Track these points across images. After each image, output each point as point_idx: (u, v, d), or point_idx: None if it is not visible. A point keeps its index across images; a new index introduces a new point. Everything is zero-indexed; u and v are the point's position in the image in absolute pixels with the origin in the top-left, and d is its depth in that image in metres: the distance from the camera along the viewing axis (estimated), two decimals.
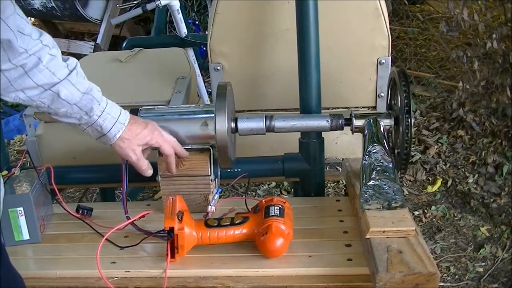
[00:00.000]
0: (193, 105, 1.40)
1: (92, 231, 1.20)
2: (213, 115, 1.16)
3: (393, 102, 1.25)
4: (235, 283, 1.03)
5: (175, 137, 1.20)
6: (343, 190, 2.30)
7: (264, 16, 1.46)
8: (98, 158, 1.48)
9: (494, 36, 2.63)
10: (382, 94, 1.51)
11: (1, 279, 0.90)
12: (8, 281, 0.92)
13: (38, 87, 1.00)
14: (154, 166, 1.21)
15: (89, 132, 1.10)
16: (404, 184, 2.61)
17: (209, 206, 1.22)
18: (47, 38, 1.00)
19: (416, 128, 2.97)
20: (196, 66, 2.53)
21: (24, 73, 0.97)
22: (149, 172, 1.17)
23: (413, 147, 2.81)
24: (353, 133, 1.23)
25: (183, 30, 2.56)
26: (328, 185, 2.59)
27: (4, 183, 1.14)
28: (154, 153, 1.20)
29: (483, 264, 2.15)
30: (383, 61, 1.47)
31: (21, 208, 1.16)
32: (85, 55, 3.13)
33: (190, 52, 2.60)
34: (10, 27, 0.91)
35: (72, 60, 1.05)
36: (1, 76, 0.96)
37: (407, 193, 2.56)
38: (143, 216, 1.14)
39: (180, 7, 2.52)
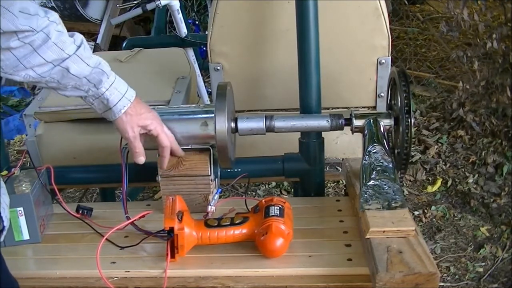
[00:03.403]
0: (193, 105, 1.40)
1: (92, 231, 1.20)
2: (213, 115, 1.16)
3: (393, 102, 1.25)
4: (235, 283, 1.03)
5: (175, 137, 1.20)
6: (343, 190, 2.30)
7: (264, 16, 1.46)
8: (98, 158, 1.49)
9: (494, 36, 2.63)
10: (382, 94, 1.51)
11: (1, 284, 0.89)
12: (7, 286, 0.92)
13: (48, 63, 1.00)
14: (154, 166, 1.21)
15: (95, 105, 1.10)
16: (404, 184, 2.61)
17: (209, 206, 1.22)
18: (53, 14, 1.00)
19: (416, 128, 2.97)
20: (196, 66, 2.53)
21: (33, 50, 0.97)
22: (141, 158, 1.16)
23: (413, 147, 2.81)
24: (353, 133, 1.23)
25: (183, 30, 2.56)
26: (328, 185, 2.59)
27: (4, 183, 1.14)
28: (154, 153, 1.20)
29: (483, 264, 2.15)
30: (383, 61, 1.47)
31: (21, 208, 1.16)
32: None
33: (190, 52, 2.60)
34: (14, 13, 0.91)
35: (78, 36, 1.05)
36: (10, 55, 0.96)
37: (407, 193, 2.56)
38: (143, 216, 1.14)
39: (180, 7, 2.52)
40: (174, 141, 1.19)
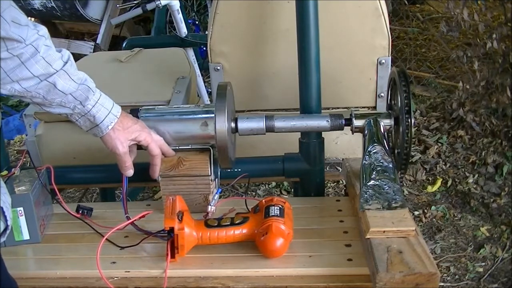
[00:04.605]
0: (193, 105, 1.40)
1: (92, 231, 1.20)
2: (213, 115, 1.16)
3: (393, 102, 1.25)
4: (235, 283, 1.03)
5: (175, 137, 1.20)
6: (343, 190, 2.30)
7: (264, 16, 1.46)
8: (98, 158, 1.48)
9: (494, 36, 2.63)
10: (382, 94, 1.51)
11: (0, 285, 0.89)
12: (6, 286, 0.92)
13: (34, 77, 1.00)
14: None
15: (80, 123, 1.10)
16: (404, 184, 2.61)
17: (209, 206, 1.22)
18: (42, 28, 1.00)
19: (416, 128, 2.97)
20: (196, 66, 2.53)
21: (20, 63, 0.97)
22: (129, 171, 1.17)
23: (413, 147, 2.81)
24: (353, 133, 1.23)
25: (183, 30, 2.57)
26: (328, 185, 2.60)
27: (5, 183, 1.14)
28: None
29: (483, 264, 2.15)
30: (383, 61, 1.47)
31: (21, 208, 1.16)
32: (85, 55, 3.13)
33: (190, 52, 2.60)
34: (6, 20, 0.91)
35: (65, 51, 1.05)
36: None
37: (407, 193, 2.56)
38: (143, 216, 1.14)
39: (180, 7, 2.52)
40: (164, 144, 1.20)
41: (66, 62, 1.03)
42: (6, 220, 0.86)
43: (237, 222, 1.09)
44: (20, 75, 0.98)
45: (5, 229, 0.89)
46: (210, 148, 1.22)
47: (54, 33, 4.03)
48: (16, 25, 0.93)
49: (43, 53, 0.99)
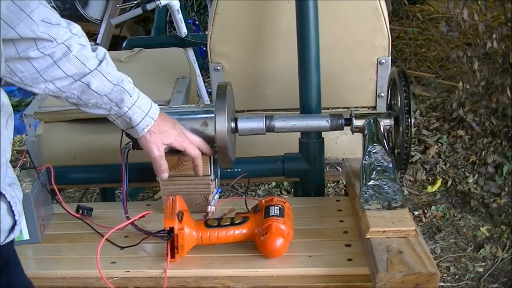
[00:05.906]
0: (193, 105, 1.40)
1: (92, 231, 1.20)
2: (213, 115, 1.16)
3: (393, 102, 1.25)
4: (235, 283, 1.03)
5: None
6: (343, 190, 2.30)
7: (264, 16, 1.46)
8: (98, 158, 1.48)
9: (494, 36, 2.63)
10: (382, 94, 1.51)
11: (15, 284, 0.89)
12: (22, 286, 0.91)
13: (68, 77, 0.99)
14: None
15: (118, 123, 1.09)
16: (404, 184, 2.61)
17: (209, 206, 1.22)
18: (76, 27, 0.99)
19: (416, 128, 2.97)
20: (196, 66, 2.53)
21: (53, 62, 0.96)
22: (165, 175, 1.15)
23: (413, 147, 2.81)
24: (353, 133, 1.23)
25: (183, 30, 2.57)
26: (328, 185, 2.59)
27: None
28: None
29: (483, 264, 2.15)
30: (383, 61, 1.47)
31: None
32: None
33: (190, 52, 2.60)
34: (35, 21, 0.90)
35: (101, 50, 1.04)
36: (29, 66, 0.96)
37: (407, 193, 2.56)
38: (143, 216, 1.14)
39: (180, 7, 2.52)
40: (203, 144, 1.17)
41: (102, 61, 1.02)
42: (13, 215, 0.86)
43: (237, 222, 1.09)
44: (53, 75, 0.97)
45: (14, 225, 0.89)
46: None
47: None
48: (47, 25, 0.92)
49: (76, 52, 0.97)
